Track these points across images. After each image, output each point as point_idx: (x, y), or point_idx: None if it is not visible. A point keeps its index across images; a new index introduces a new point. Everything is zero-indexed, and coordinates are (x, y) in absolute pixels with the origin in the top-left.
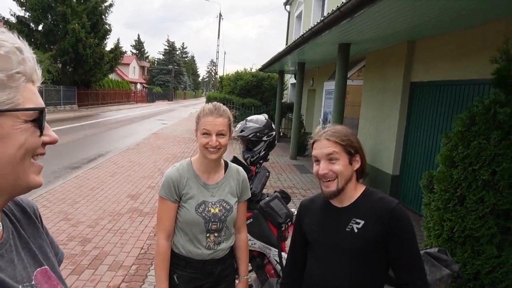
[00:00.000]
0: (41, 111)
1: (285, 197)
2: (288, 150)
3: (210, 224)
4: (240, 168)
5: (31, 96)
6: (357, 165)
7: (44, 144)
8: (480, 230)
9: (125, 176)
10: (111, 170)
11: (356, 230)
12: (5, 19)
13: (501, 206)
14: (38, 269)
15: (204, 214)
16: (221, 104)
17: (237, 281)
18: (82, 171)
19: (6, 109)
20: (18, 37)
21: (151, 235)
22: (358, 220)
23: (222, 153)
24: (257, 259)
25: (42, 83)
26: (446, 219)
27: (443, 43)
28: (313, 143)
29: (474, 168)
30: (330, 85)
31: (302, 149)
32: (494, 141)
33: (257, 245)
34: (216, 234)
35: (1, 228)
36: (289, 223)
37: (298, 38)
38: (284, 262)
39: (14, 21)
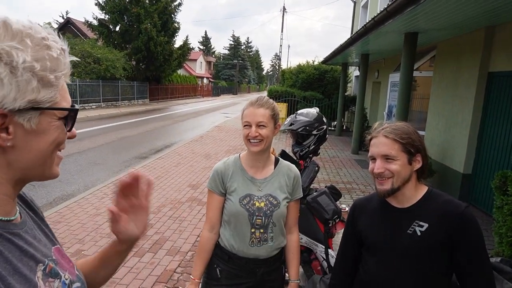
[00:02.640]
0: (75, 111)
1: (335, 193)
2: (350, 144)
3: (255, 218)
4: (293, 166)
5: (65, 94)
6: (417, 165)
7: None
8: None
9: (187, 166)
10: (176, 161)
11: (419, 233)
12: (88, 22)
13: None
14: (53, 247)
15: (248, 207)
16: (266, 97)
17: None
18: (149, 160)
19: (48, 107)
20: (59, 35)
21: None
22: (421, 223)
23: (266, 146)
24: (304, 254)
25: (118, 79)
26: None
27: None
28: (370, 140)
29: None
30: (395, 77)
31: (364, 143)
32: None
33: (304, 240)
34: (262, 230)
35: (18, 210)
36: (337, 220)
37: (360, 28)
38: (330, 259)
39: (96, 24)
